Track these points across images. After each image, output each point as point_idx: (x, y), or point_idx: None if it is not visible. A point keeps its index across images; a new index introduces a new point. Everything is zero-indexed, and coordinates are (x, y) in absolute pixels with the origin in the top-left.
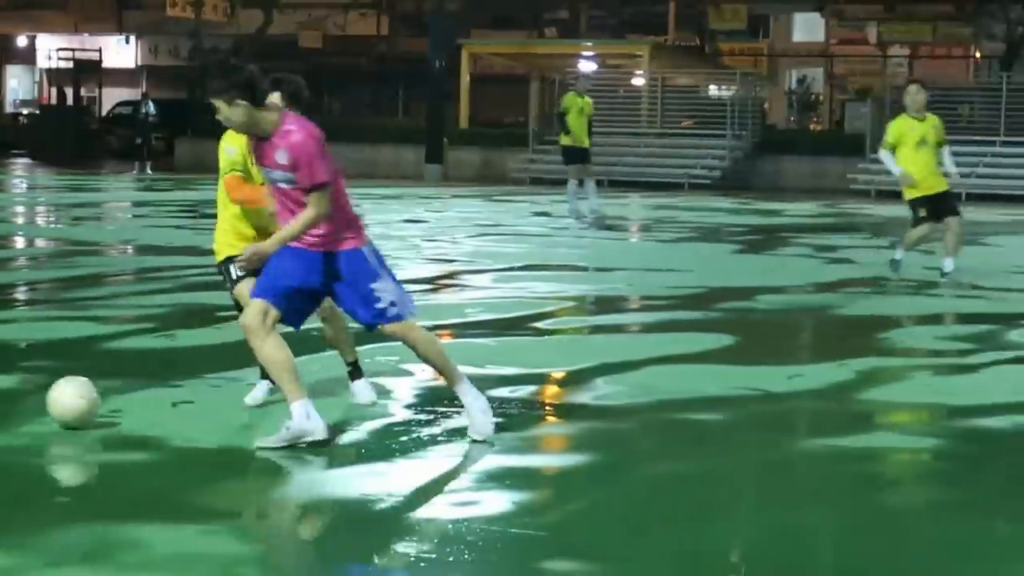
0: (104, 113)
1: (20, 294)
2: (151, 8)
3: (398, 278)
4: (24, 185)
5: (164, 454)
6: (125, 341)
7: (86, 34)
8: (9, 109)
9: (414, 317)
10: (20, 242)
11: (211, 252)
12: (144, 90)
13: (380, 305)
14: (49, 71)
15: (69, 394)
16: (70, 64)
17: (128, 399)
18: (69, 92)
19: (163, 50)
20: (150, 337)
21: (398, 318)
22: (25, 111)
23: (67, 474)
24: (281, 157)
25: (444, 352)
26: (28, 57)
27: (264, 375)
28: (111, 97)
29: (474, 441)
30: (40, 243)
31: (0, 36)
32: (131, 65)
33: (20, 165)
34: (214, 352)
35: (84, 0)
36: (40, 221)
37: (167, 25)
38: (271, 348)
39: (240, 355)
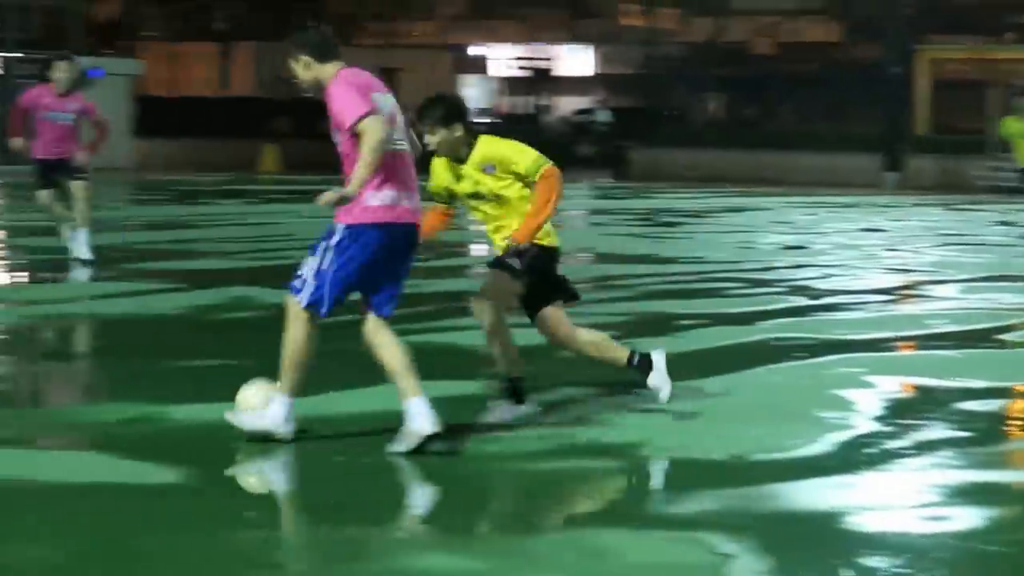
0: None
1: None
2: (606, 17)
3: (747, 289)
4: None
5: (629, 461)
6: None
7: (538, 43)
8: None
9: (307, 305)
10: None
11: (670, 260)
12: (599, 98)
13: (297, 272)
14: (504, 80)
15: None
16: (525, 73)
17: (592, 406)
18: (526, 101)
19: (617, 58)
20: None
21: (294, 291)
22: (486, 120)
23: (528, 480)
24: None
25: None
26: (479, 66)
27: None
28: (565, 106)
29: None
30: None
31: (453, 45)
32: (585, 73)
33: None
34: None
35: (540, 11)
36: None
37: (621, 33)
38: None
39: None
